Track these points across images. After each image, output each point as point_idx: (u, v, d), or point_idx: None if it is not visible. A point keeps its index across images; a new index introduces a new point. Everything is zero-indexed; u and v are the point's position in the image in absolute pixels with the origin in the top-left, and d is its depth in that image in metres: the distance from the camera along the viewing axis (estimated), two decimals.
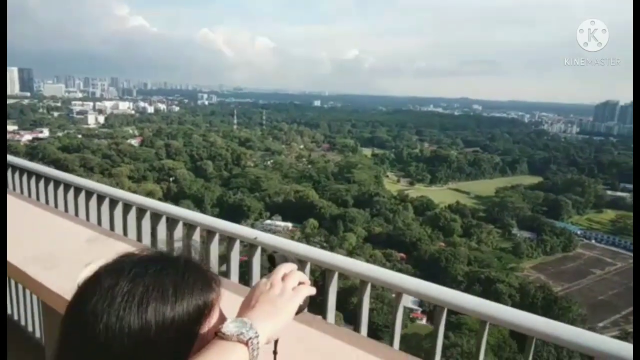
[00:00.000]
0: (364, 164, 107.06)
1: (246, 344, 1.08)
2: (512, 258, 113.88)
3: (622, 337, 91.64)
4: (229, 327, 1.09)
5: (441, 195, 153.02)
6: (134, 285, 1.08)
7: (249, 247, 4.02)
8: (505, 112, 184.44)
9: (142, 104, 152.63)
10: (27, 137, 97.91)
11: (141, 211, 4.78)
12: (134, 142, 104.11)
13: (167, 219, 4.51)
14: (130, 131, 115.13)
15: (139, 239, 4.77)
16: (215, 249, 4.16)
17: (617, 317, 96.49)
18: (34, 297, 4.89)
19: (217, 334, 1.10)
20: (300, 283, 1.39)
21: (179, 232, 4.42)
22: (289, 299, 1.29)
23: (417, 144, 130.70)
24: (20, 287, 5.11)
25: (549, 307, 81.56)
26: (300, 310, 1.34)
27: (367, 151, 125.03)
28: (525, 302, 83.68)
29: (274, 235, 4.20)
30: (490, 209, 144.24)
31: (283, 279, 1.37)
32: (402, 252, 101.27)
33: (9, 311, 5.29)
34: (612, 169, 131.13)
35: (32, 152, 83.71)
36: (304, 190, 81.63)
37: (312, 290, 1.40)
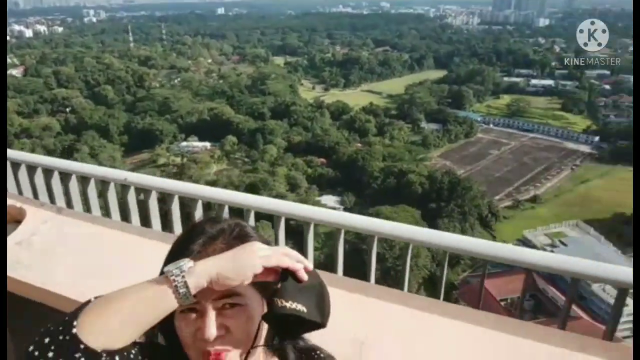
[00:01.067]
0: (277, 73, 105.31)
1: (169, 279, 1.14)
2: (421, 150, 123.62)
3: (514, 205, 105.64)
4: (169, 266, 1.17)
5: (355, 98, 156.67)
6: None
7: (121, 188, 3.96)
8: (411, 8, 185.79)
9: (16, 27, 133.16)
10: None
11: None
12: (15, 72, 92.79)
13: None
14: (9, 60, 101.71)
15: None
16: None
17: (510, 190, 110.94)
18: None
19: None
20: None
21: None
22: (250, 252, 1.20)
23: (329, 48, 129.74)
24: None
25: (453, 189, 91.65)
26: (267, 287, 1.24)
27: (280, 60, 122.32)
28: (433, 187, 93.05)
29: (144, 175, 4.03)
30: (401, 107, 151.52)
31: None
32: (322, 157, 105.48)
33: None
34: (508, 57, 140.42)
35: None
36: (218, 107, 79.83)
37: (285, 263, 1.22)
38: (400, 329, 2.57)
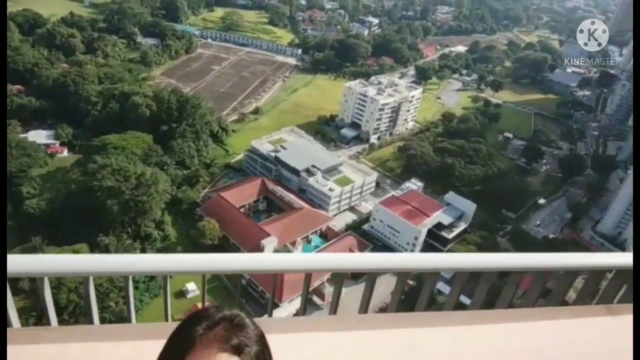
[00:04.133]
0: None
1: None
2: (142, 68, 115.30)
3: (240, 119, 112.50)
4: None
5: (49, 5, 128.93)
6: None
7: None
8: None
9: None
10: None
11: None
12: None
13: None
14: None
15: None
16: None
17: (235, 104, 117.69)
18: None
19: None
20: None
21: None
22: None
23: None
24: None
25: (182, 108, 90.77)
26: None
27: None
28: (161, 108, 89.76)
29: None
30: (109, 19, 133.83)
31: None
32: (17, 84, 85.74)
33: None
34: None
35: None
36: None
37: None
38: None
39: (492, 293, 4.00)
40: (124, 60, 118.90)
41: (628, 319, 3.61)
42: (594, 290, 4.16)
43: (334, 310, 3.87)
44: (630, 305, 3.83)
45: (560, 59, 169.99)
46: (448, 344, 3.45)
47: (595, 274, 4.07)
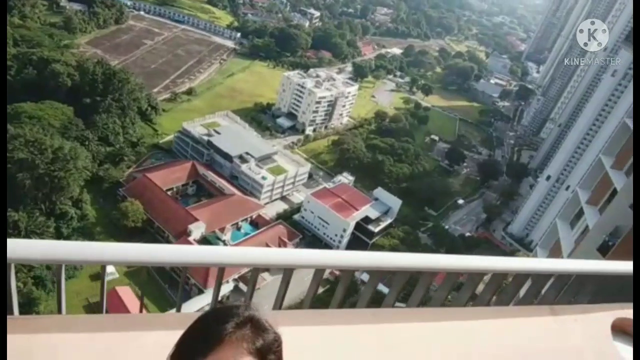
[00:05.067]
0: None
1: None
2: (65, 34, 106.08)
3: (172, 98, 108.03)
4: None
5: None
6: None
7: None
8: None
9: None
10: None
11: None
12: None
13: None
14: None
15: None
16: None
17: (167, 82, 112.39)
18: None
19: None
20: None
21: None
22: None
23: None
24: None
25: (109, 81, 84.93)
26: None
27: None
28: (85, 79, 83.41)
29: None
30: None
31: None
32: None
33: None
34: None
35: None
36: None
37: None
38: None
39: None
40: (45, 24, 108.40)
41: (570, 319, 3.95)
42: (535, 292, 4.31)
43: (279, 305, 3.66)
44: (571, 307, 4.22)
45: (485, 70, 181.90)
46: (372, 341, 3.38)
47: (537, 277, 4.24)
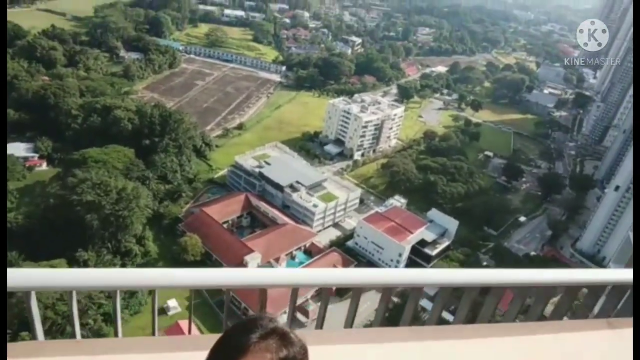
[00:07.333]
0: None
1: None
2: (124, 82, 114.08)
3: (224, 134, 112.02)
4: None
5: (29, 18, 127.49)
6: None
7: None
8: None
9: None
10: None
11: None
12: None
13: None
14: None
15: None
16: None
17: (219, 119, 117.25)
18: None
19: None
20: None
21: None
22: None
23: None
24: None
25: (165, 122, 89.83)
26: None
27: None
28: (144, 122, 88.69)
29: None
30: (92, 32, 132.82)
31: None
32: None
33: None
34: None
35: None
36: None
37: None
38: None
39: (475, 309, 4.02)
40: (106, 74, 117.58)
41: (627, 333, 3.66)
42: (593, 304, 4.20)
43: (320, 324, 3.85)
44: (630, 319, 3.90)
45: (537, 80, 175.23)
46: (440, 358, 3.45)
47: (594, 289, 4.13)
